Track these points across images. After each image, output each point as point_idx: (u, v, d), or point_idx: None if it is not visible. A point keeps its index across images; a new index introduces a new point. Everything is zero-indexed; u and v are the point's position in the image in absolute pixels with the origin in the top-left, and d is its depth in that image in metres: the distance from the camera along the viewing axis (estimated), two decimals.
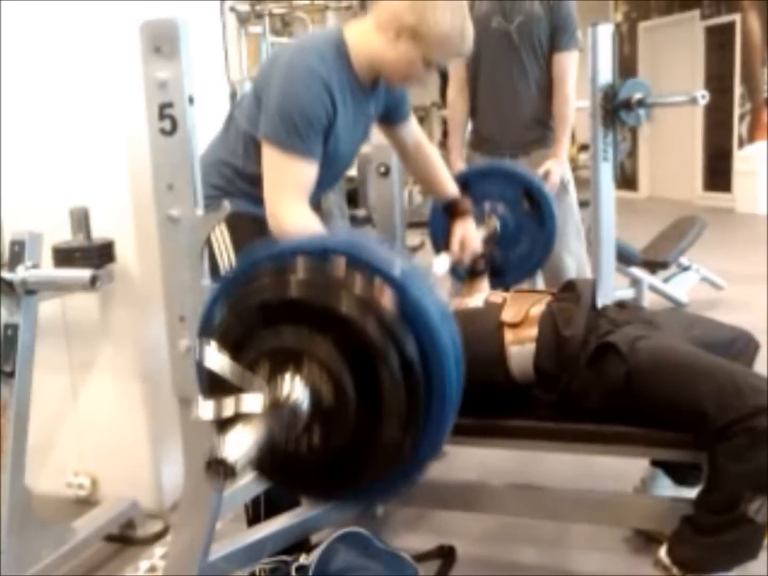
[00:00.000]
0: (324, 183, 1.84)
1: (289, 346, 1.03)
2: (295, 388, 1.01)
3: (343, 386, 1.01)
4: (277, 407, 1.00)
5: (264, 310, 1.06)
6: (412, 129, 2.09)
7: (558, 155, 2.77)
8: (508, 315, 1.75)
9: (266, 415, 1.00)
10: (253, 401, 1.01)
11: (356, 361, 1.02)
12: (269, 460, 1.05)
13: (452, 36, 1.71)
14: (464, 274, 2.22)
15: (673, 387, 1.56)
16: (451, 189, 2.14)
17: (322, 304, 1.03)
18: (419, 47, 1.70)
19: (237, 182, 1.81)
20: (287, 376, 1.02)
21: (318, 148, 1.69)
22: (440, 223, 2.25)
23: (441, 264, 1.99)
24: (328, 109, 1.68)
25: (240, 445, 0.96)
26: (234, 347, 1.06)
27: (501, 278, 2.35)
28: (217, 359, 1.06)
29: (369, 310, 1.02)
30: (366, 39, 1.74)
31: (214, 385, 1.09)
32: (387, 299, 1.03)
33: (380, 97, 1.90)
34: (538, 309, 1.76)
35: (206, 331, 1.13)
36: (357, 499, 1.28)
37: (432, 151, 2.14)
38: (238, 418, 1.00)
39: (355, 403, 1.02)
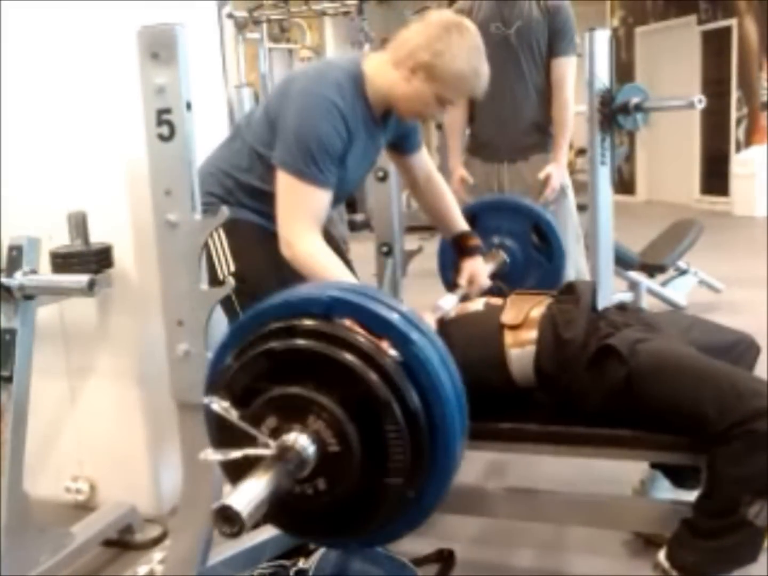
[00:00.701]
0: (331, 205, 1.86)
1: (295, 398, 1.06)
2: (301, 440, 1.04)
3: (347, 438, 1.04)
4: (283, 459, 1.02)
5: (270, 361, 1.10)
6: (424, 160, 2.11)
7: (558, 160, 2.78)
8: (507, 317, 1.75)
9: (273, 467, 1.02)
10: (261, 453, 1.03)
11: (361, 413, 1.05)
12: (275, 506, 1.06)
13: (467, 75, 1.74)
14: None
15: (673, 390, 1.56)
16: (461, 224, 2.16)
17: (327, 356, 1.06)
18: (433, 85, 1.72)
19: (237, 193, 1.83)
20: (293, 428, 1.05)
21: (333, 178, 1.72)
22: (449, 258, 2.27)
23: (448, 302, 1.99)
24: (344, 139, 1.71)
25: (249, 496, 0.98)
26: (240, 399, 1.09)
27: None
28: (225, 411, 1.08)
29: (372, 362, 1.05)
30: (383, 73, 1.77)
31: (223, 436, 1.12)
32: (389, 351, 1.06)
33: (391, 128, 1.92)
34: (538, 311, 1.76)
35: (215, 380, 1.17)
36: (362, 544, 1.31)
37: (442, 185, 2.16)
38: (246, 468, 1.03)
39: (359, 453, 1.05)
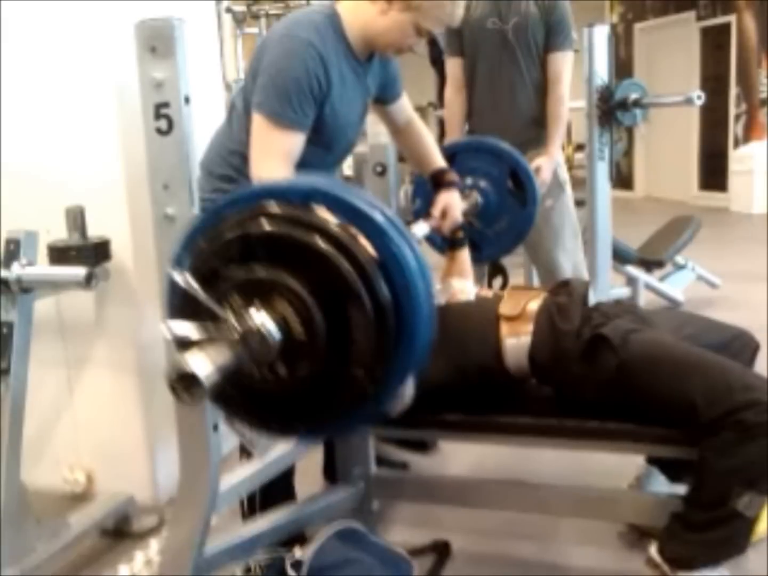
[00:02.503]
0: (329, 162, 1.85)
1: (263, 279, 1.05)
2: (266, 321, 1.02)
3: (314, 324, 1.03)
4: (247, 337, 1.02)
5: (241, 244, 1.08)
6: (404, 107, 2.12)
7: (550, 153, 2.78)
8: (505, 308, 1.77)
9: (236, 342, 1.01)
10: (224, 327, 1.02)
11: (329, 301, 1.04)
12: (236, 390, 1.08)
13: (443, 3, 1.73)
14: (445, 246, 2.24)
15: (663, 380, 1.57)
16: (440, 162, 2.17)
17: (299, 241, 1.05)
18: (411, 14, 1.72)
19: (245, 169, 1.81)
20: (259, 309, 1.03)
21: (307, 120, 1.70)
22: (422, 194, 2.31)
23: (419, 228, 2.01)
24: (321, 80, 1.70)
25: (209, 363, 0.97)
26: (207, 279, 1.08)
27: (476, 253, 2.37)
28: (190, 286, 1.06)
29: (346, 250, 1.04)
30: (359, 10, 1.77)
31: (185, 311, 1.10)
32: (365, 243, 1.05)
33: (375, 71, 1.92)
34: (535, 303, 1.77)
35: (182, 261, 1.14)
36: (314, 434, 1.28)
37: (422, 127, 2.18)
38: (206, 342, 1.02)
39: (324, 341, 1.04)
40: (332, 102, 1.74)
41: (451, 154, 2.34)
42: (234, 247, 1.09)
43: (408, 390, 1.61)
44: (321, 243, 1.04)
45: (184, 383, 0.95)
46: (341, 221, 1.05)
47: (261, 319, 1.03)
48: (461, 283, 2.11)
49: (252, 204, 1.11)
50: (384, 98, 2.03)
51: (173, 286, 1.10)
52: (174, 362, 0.97)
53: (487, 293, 1.92)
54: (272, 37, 1.75)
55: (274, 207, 1.08)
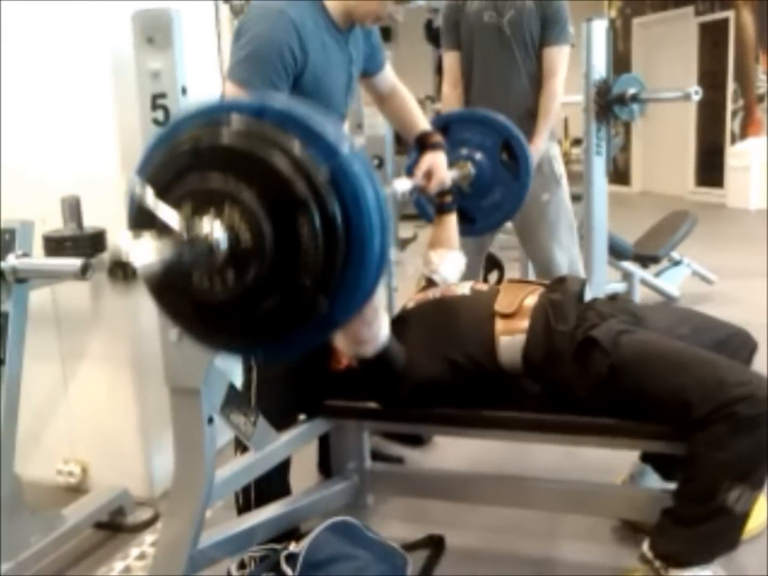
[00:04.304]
0: None
1: (214, 189, 1.08)
2: (215, 228, 1.05)
3: (261, 231, 1.05)
4: (194, 240, 1.04)
5: (193, 155, 1.11)
6: (388, 76, 2.13)
7: (535, 145, 2.76)
8: (501, 305, 1.76)
9: (180, 241, 1.04)
10: (169, 222, 1.05)
11: (278, 211, 1.06)
12: (188, 303, 1.11)
13: None
14: (433, 212, 2.25)
15: (655, 380, 1.58)
16: (424, 125, 2.17)
17: (249, 152, 1.08)
18: None
19: None
20: (208, 217, 1.06)
21: (276, 89, 1.70)
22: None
23: (401, 184, 2.00)
24: (296, 50, 1.70)
25: (146, 253, 1.00)
26: (161, 190, 1.10)
27: (470, 225, 2.38)
28: (143, 194, 1.08)
29: (297, 165, 1.06)
30: None
31: (141, 223, 1.12)
32: (315, 156, 1.07)
33: (359, 43, 1.93)
34: (531, 300, 1.77)
35: (143, 171, 1.17)
36: (270, 352, 1.27)
37: (406, 93, 2.18)
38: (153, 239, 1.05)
39: (272, 247, 1.06)
40: (312, 70, 1.75)
41: (445, 126, 2.35)
42: (186, 157, 1.11)
43: (382, 330, 1.63)
44: (270, 154, 1.07)
45: (119, 267, 0.99)
46: (292, 134, 1.08)
47: (209, 225, 1.05)
48: (447, 253, 2.11)
49: (207, 117, 1.14)
50: (368, 69, 2.04)
51: (132, 198, 1.12)
52: (114, 247, 0.99)
53: (482, 287, 1.91)
54: (251, 11, 1.78)
55: (226, 119, 1.10)
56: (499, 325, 1.73)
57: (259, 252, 1.06)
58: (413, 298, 1.96)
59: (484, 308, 1.77)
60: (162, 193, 1.09)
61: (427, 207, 2.29)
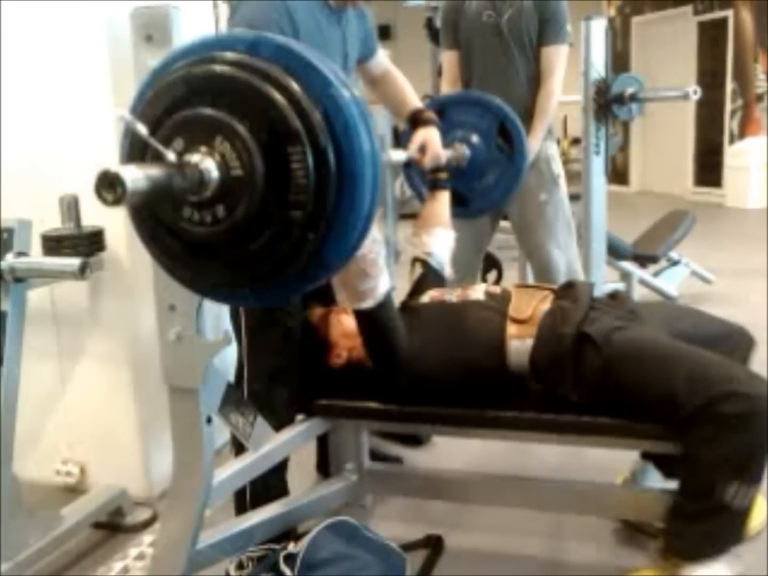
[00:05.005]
0: None
1: (203, 121, 1.07)
2: (206, 159, 1.05)
3: (252, 163, 1.05)
4: (184, 166, 1.04)
5: (186, 87, 1.10)
6: (381, 59, 2.15)
7: (531, 142, 2.76)
8: (516, 312, 1.78)
9: (171, 167, 1.03)
10: (161, 152, 1.04)
11: (269, 143, 1.05)
12: (176, 240, 1.11)
13: None
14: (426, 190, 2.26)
15: (646, 376, 1.59)
16: (417, 103, 2.19)
17: (241, 83, 1.07)
18: None
19: None
20: (200, 150, 1.05)
21: None
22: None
23: (397, 155, 2.01)
24: (285, 26, 1.71)
25: (136, 173, 0.98)
26: (154, 124, 1.09)
27: (464, 207, 2.38)
28: (135, 127, 1.07)
29: (291, 97, 1.06)
30: None
31: (134, 157, 1.12)
32: (312, 95, 1.06)
33: (353, 27, 1.94)
34: (544, 307, 1.79)
35: (135, 108, 1.16)
36: (260, 292, 1.23)
37: (398, 74, 2.21)
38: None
39: (262, 179, 1.05)
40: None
41: (440, 108, 2.36)
42: (178, 90, 1.11)
43: (381, 284, 1.64)
44: (263, 86, 1.06)
45: (107, 181, 0.95)
46: (286, 67, 1.08)
47: (200, 157, 1.05)
48: (437, 230, 2.11)
49: (199, 52, 1.14)
50: (363, 54, 2.05)
51: (126, 133, 1.12)
52: (104, 167, 0.97)
53: (495, 290, 1.92)
54: None
55: (219, 53, 1.11)
56: (512, 329, 1.76)
57: (249, 185, 1.05)
58: (428, 294, 1.96)
59: (497, 313, 1.80)
60: (154, 129, 1.08)
61: (419, 186, 2.30)
